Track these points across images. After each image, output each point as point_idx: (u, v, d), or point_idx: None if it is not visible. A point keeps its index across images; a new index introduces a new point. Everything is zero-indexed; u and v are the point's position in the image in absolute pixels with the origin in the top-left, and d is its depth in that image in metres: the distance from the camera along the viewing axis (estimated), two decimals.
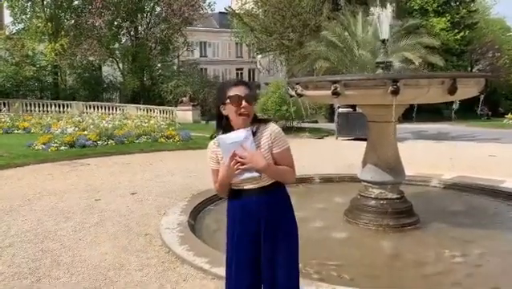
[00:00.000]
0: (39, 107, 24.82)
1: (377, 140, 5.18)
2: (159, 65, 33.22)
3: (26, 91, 29.26)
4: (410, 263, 4.17)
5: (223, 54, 45.53)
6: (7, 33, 29.20)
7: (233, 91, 2.24)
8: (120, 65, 31.81)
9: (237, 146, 2.18)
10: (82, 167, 9.39)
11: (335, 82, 4.34)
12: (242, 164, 2.19)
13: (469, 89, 4.63)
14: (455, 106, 5.08)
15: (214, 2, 42.37)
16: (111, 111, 24.08)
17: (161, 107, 24.76)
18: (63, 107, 24.62)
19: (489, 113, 32.53)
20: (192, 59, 36.66)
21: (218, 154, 2.30)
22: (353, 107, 14.90)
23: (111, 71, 32.60)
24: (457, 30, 31.58)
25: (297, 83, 4.91)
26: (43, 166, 9.40)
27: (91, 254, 4.13)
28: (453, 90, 4.22)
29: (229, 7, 28.76)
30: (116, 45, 31.15)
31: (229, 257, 2.40)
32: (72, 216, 5.45)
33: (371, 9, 6.58)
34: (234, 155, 2.18)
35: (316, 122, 25.58)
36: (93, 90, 31.13)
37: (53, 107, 24.75)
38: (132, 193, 6.70)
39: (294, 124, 18.75)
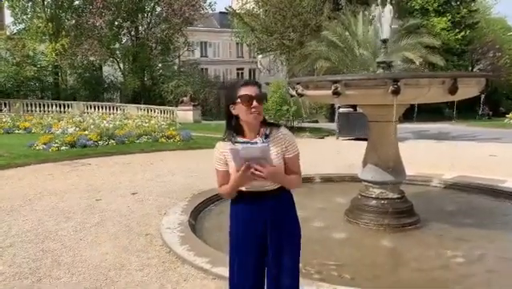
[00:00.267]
0: (40, 107, 24.86)
1: (378, 140, 5.18)
2: (159, 65, 33.25)
3: (27, 91, 29.30)
4: (411, 263, 4.17)
5: (224, 54, 45.53)
6: (8, 33, 29.25)
7: (244, 91, 2.23)
8: (121, 65, 31.84)
9: (256, 160, 2.15)
10: (83, 167, 9.40)
11: (335, 82, 4.33)
12: (258, 174, 2.16)
13: (469, 89, 4.62)
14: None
15: (215, 2, 42.43)
16: (111, 111, 24.11)
17: (162, 107, 24.79)
18: (64, 108, 24.66)
19: (490, 113, 32.53)
20: (192, 59, 36.68)
21: (227, 156, 2.28)
22: (354, 107, 14.90)
23: (111, 71, 32.63)
24: (457, 30, 31.58)
25: (297, 83, 4.91)
26: (44, 166, 9.40)
27: (91, 254, 4.13)
28: (453, 90, 4.21)
29: (230, 7, 28.78)
30: (117, 45, 31.19)
31: (231, 258, 2.41)
32: (73, 216, 5.45)
33: (372, 8, 6.58)
34: (249, 166, 2.15)
35: (317, 122, 25.60)
36: (94, 90, 31.17)
37: (54, 107, 24.79)
38: (133, 193, 6.70)
39: (295, 123, 18.76)
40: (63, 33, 27.71)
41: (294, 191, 2.43)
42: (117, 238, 4.62)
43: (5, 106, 24.11)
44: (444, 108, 28.72)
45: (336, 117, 17.14)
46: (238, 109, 2.25)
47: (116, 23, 29.84)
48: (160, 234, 4.60)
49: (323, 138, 16.94)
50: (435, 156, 10.91)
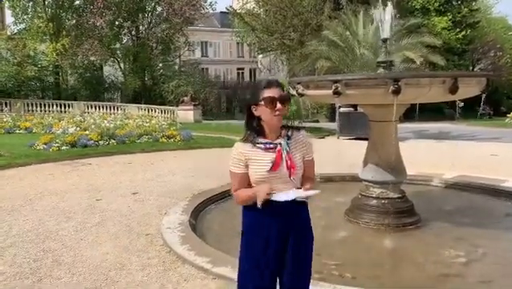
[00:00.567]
0: (41, 107, 24.88)
1: (378, 140, 5.18)
2: (160, 65, 33.25)
3: (28, 91, 29.34)
4: (411, 263, 4.17)
5: (224, 54, 45.54)
6: (9, 33, 29.28)
7: (267, 93, 2.20)
8: (122, 65, 31.86)
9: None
10: (83, 167, 9.40)
11: (336, 81, 4.33)
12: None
13: (470, 88, 4.62)
14: (459, 108, 5.09)
15: (215, 2, 42.18)
16: (112, 111, 24.12)
17: (162, 107, 24.79)
18: (65, 107, 24.68)
19: (491, 112, 32.48)
20: (193, 59, 36.66)
21: (248, 156, 2.22)
22: (354, 106, 14.89)
23: (112, 71, 32.64)
24: (458, 29, 31.53)
25: (298, 83, 4.91)
26: (45, 166, 9.41)
27: (92, 254, 4.13)
28: (454, 89, 4.21)
29: (231, 7, 28.74)
30: (118, 45, 31.20)
31: (244, 258, 2.34)
32: (73, 216, 5.46)
33: (373, 8, 6.58)
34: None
35: (317, 121, 25.58)
36: (94, 90, 31.19)
37: (54, 107, 24.81)
38: (133, 193, 6.70)
39: (295, 123, 18.72)
40: (64, 33, 27.72)
41: None
42: (118, 237, 4.62)
43: (5, 106, 24.15)
44: (445, 108, 28.69)
45: (337, 117, 17.12)
46: (261, 111, 2.22)
47: (117, 23, 29.85)
48: (160, 234, 4.61)
49: (323, 138, 16.91)
50: (435, 156, 10.89)
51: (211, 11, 34.05)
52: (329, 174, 7.67)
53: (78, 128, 14.43)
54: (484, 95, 4.74)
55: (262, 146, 2.22)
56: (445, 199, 6.34)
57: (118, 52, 31.21)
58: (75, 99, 27.63)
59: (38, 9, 27.43)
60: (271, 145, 2.22)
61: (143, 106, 25.26)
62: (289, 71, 25.15)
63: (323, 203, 5.89)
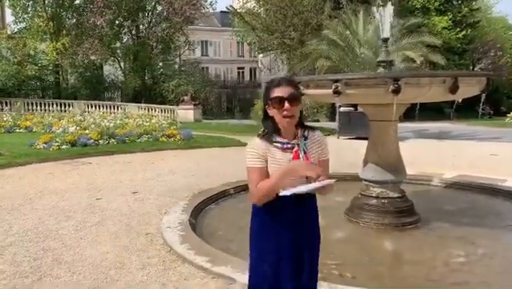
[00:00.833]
0: (41, 106, 24.91)
1: (378, 139, 5.18)
2: (160, 64, 33.29)
3: (28, 90, 29.39)
4: (411, 262, 4.17)
5: (224, 54, 45.56)
6: (9, 32, 29.28)
7: (276, 93, 2.12)
8: (122, 64, 31.88)
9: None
10: (83, 166, 9.40)
11: (336, 81, 4.33)
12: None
13: (470, 88, 4.61)
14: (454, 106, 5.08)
15: (216, 1, 42.16)
16: (112, 110, 24.14)
17: (163, 106, 24.81)
18: (65, 107, 24.71)
19: (491, 112, 32.47)
20: (193, 58, 36.71)
21: (270, 152, 2.14)
22: (354, 106, 14.88)
23: (112, 70, 32.67)
24: (458, 29, 31.52)
25: (298, 82, 4.89)
26: (45, 165, 9.41)
27: (92, 253, 4.13)
28: (454, 89, 4.20)
29: (231, 6, 28.74)
30: (118, 44, 31.22)
31: (256, 258, 2.29)
32: (73, 215, 5.46)
33: (373, 7, 6.57)
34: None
35: (318, 121, 25.56)
36: (94, 89, 31.22)
37: (54, 106, 24.84)
38: (133, 192, 6.70)
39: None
40: (64, 32, 27.74)
41: None
42: (117, 237, 4.62)
43: (6, 105, 24.16)
44: (445, 108, 28.67)
45: (337, 116, 17.11)
46: (272, 111, 2.16)
47: (117, 22, 29.87)
48: (160, 233, 4.61)
49: None
50: (435, 156, 10.90)
51: (211, 10, 34.09)
52: (329, 173, 7.66)
53: (78, 128, 14.45)
54: (484, 95, 4.73)
55: (279, 145, 2.15)
56: (445, 199, 6.34)
57: (118, 51, 31.24)
58: (75, 99, 27.66)
59: (39, 8, 27.45)
60: (289, 145, 2.16)
61: (143, 105, 25.28)
62: (289, 70, 25.11)
63: (323, 202, 5.86)
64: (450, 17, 31.42)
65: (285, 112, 2.10)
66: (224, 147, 13.11)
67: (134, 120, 17.38)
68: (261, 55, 36.50)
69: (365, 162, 5.24)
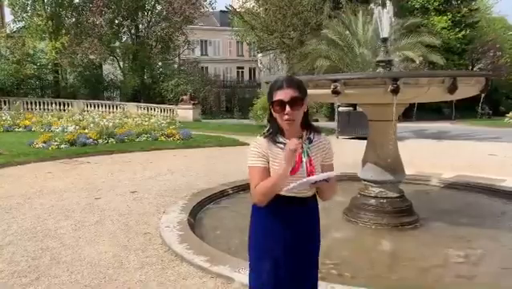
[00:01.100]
0: (40, 105, 24.88)
1: (377, 139, 5.18)
2: (159, 63, 33.27)
3: (27, 89, 29.32)
4: (410, 262, 4.17)
5: (224, 53, 45.55)
6: (8, 31, 29.22)
7: (277, 96, 2.06)
8: (121, 63, 31.87)
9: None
10: (82, 165, 9.40)
11: (335, 80, 4.32)
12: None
13: (469, 88, 4.61)
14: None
15: (215, 1, 42.31)
16: (111, 109, 24.14)
17: (162, 106, 24.81)
18: (64, 106, 24.69)
19: (490, 112, 32.51)
20: (192, 58, 36.68)
21: (272, 152, 2.10)
22: (354, 106, 14.90)
23: (111, 70, 32.66)
24: (458, 29, 31.56)
25: (300, 82, 4.89)
26: (44, 164, 9.40)
27: (90, 253, 4.13)
28: (453, 89, 4.20)
29: (230, 6, 28.76)
30: (117, 43, 31.20)
31: (256, 257, 2.25)
32: (72, 214, 5.45)
33: (372, 7, 6.57)
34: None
35: (317, 121, 25.56)
36: (94, 88, 31.19)
37: (54, 105, 24.82)
38: (132, 192, 6.70)
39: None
40: (63, 31, 27.70)
41: None
42: (116, 236, 4.62)
43: (5, 104, 24.14)
44: (444, 108, 28.70)
45: (336, 116, 17.12)
46: (274, 113, 2.11)
47: (116, 22, 29.86)
48: (159, 233, 4.61)
49: None
50: (434, 156, 10.90)
51: (211, 10, 34.08)
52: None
53: (77, 127, 14.45)
54: (483, 95, 4.73)
55: (283, 146, 2.09)
56: (444, 198, 6.35)
57: (117, 51, 31.21)
58: (75, 98, 27.63)
59: (38, 7, 27.40)
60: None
61: (142, 105, 25.28)
62: (288, 69, 25.13)
63: (322, 202, 5.89)
64: (449, 17, 31.45)
65: (285, 116, 2.05)
66: (223, 146, 13.11)
67: (133, 120, 17.38)
68: (260, 55, 36.53)
69: (364, 162, 5.24)
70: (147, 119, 17.71)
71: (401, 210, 5.03)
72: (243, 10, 26.47)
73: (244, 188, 6.23)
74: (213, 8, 33.65)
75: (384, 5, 5.21)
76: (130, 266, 3.83)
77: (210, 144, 13.27)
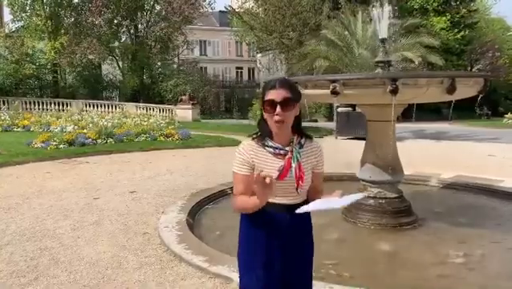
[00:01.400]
0: (39, 105, 24.86)
1: (376, 140, 5.18)
2: (159, 63, 33.25)
3: (26, 89, 29.30)
4: (408, 262, 4.17)
5: (223, 53, 45.56)
6: (7, 31, 29.20)
7: (269, 95, 1.97)
8: (120, 63, 31.83)
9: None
10: (81, 165, 9.39)
11: (333, 81, 4.33)
12: None
13: (468, 89, 4.62)
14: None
15: (214, 1, 42.27)
16: (110, 109, 24.13)
17: (161, 106, 24.80)
18: (63, 106, 24.67)
19: (489, 113, 32.55)
20: (192, 58, 36.70)
21: (255, 157, 2.02)
22: (353, 106, 14.90)
23: (110, 70, 32.64)
24: (457, 30, 31.57)
25: (296, 82, 4.89)
26: (42, 164, 9.39)
27: (89, 253, 4.13)
28: (451, 89, 4.21)
29: (229, 6, 28.74)
30: (116, 43, 31.18)
31: (249, 261, 2.16)
32: (71, 214, 5.45)
33: (371, 8, 6.58)
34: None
35: (316, 121, 25.61)
36: (93, 88, 31.18)
37: (52, 105, 24.80)
38: (131, 192, 6.70)
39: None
40: (62, 31, 27.70)
41: None
42: (115, 236, 4.62)
43: (3, 104, 24.11)
44: (443, 108, 28.72)
45: (335, 116, 17.14)
46: (265, 114, 2.02)
47: (116, 22, 29.84)
48: (157, 233, 4.60)
49: (321, 137, 16.89)
50: (433, 156, 10.92)
51: (210, 10, 34.08)
52: (327, 173, 7.66)
53: (76, 127, 14.43)
54: (480, 96, 4.74)
55: (272, 150, 2.01)
56: (443, 199, 6.35)
57: (116, 51, 31.19)
58: (74, 98, 27.61)
59: (37, 6, 27.38)
60: (281, 151, 2.01)
61: (141, 105, 25.27)
62: (287, 70, 25.14)
63: None
64: (448, 18, 31.47)
65: (276, 117, 1.95)
66: (222, 146, 13.10)
67: (132, 120, 17.36)
68: (259, 55, 36.53)
69: (363, 162, 5.24)
70: (146, 119, 17.70)
71: (400, 211, 5.04)
72: (242, 11, 26.46)
73: None
74: (212, 8, 33.66)
75: (382, 5, 5.22)
76: (129, 266, 3.82)
77: (209, 144, 13.27)
